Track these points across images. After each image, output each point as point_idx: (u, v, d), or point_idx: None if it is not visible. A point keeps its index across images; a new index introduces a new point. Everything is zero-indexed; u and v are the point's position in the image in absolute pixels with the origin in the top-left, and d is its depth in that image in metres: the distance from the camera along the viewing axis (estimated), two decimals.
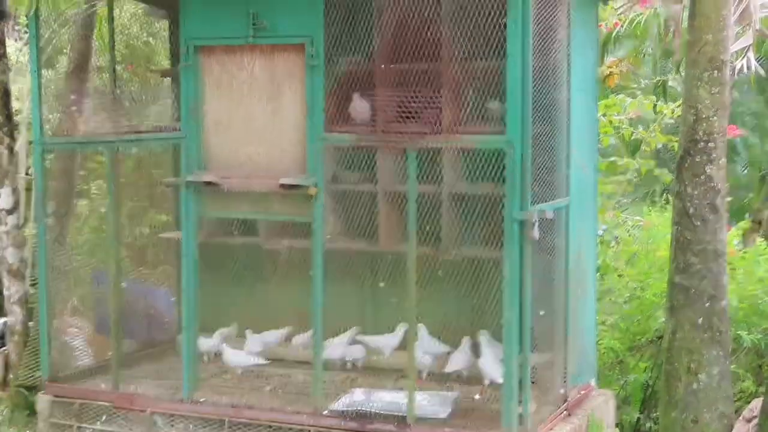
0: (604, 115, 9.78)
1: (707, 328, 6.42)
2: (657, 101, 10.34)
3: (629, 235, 8.71)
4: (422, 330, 6.32)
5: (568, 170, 6.08)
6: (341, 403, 5.99)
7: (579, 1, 6.22)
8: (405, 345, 6.02)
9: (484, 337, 6.21)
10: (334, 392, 6.16)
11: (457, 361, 6.24)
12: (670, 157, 9.91)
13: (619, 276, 8.25)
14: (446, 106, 5.88)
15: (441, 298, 6.43)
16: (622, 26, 12.55)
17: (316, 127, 5.95)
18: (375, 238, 6.40)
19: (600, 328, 7.66)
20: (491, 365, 5.99)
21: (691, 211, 6.51)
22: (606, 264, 8.32)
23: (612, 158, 9.77)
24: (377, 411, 5.83)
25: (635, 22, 12.52)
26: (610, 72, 12.43)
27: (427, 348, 6.32)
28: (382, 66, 6.07)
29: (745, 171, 14.75)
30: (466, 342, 6.29)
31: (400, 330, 6.33)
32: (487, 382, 6.04)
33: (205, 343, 6.69)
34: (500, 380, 5.66)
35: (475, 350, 6.29)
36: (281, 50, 6.09)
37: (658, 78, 13.16)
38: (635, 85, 11.49)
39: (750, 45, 8.53)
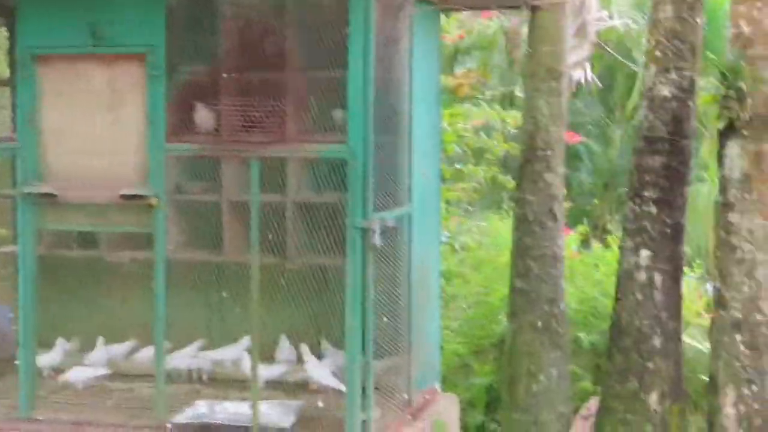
0: (449, 124, 9.94)
1: (546, 330, 6.57)
2: (503, 111, 10.56)
3: (475, 242, 8.84)
4: (283, 341, 6.33)
5: (410, 179, 6.12)
6: (184, 416, 5.87)
7: (421, 13, 6.27)
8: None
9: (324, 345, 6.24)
10: (178, 405, 6.02)
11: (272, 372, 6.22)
12: (516, 165, 10.10)
13: (465, 282, 8.37)
14: (290, 116, 5.86)
15: (288, 306, 6.38)
16: (466, 38, 12.79)
17: (157, 136, 5.84)
18: (220, 247, 6.27)
19: (445, 332, 7.75)
20: (318, 371, 6.03)
21: (531, 217, 6.66)
22: (452, 270, 8.43)
23: (458, 166, 9.91)
24: (221, 422, 5.76)
25: (482, 34, 12.77)
26: (460, 83, 12.65)
27: (286, 357, 6.31)
28: (226, 75, 5.99)
29: (589, 178, 15.21)
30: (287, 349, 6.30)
31: (243, 341, 6.27)
32: (316, 387, 6.06)
33: (46, 359, 6.48)
34: (332, 384, 5.82)
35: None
36: (122, 60, 5.95)
37: (505, 88, 13.43)
38: (480, 96, 11.69)
39: (587, 57, 8.80)
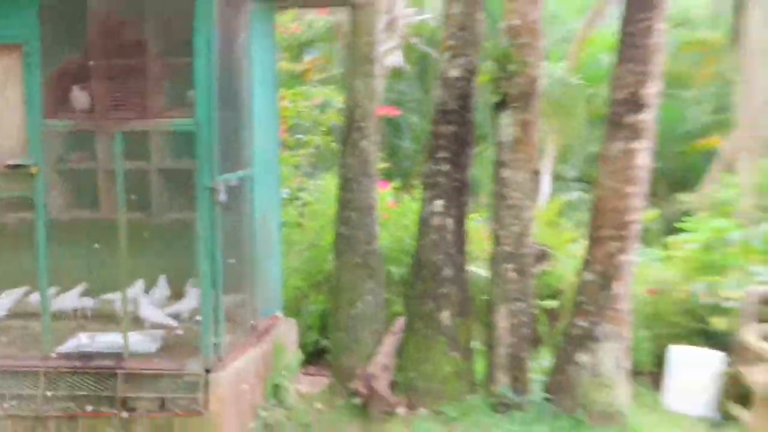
0: (293, 102, 9.87)
1: (364, 266, 6.62)
2: (338, 91, 10.50)
3: (312, 197, 8.82)
4: (161, 283, 6.30)
5: (251, 146, 6.07)
6: (67, 346, 5.73)
7: (258, 9, 6.19)
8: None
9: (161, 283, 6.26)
10: (65, 338, 5.86)
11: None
12: None
13: (303, 229, 8.36)
14: (149, 96, 5.73)
15: (156, 254, 6.31)
16: (312, 30, 12.67)
17: (35, 115, 5.61)
18: (97, 207, 6.14)
19: (287, 271, 7.74)
20: (147, 311, 5.99)
21: (350, 176, 6.67)
22: (292, 220, 8.41)
23: (299, 136, 9.86)
24: (98, 350, 5.64)
25: (324, 28, 12.66)
26: (307, 68, 12.53)
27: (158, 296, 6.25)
28: (96, 62, 5.80)
29: (411, 145, 15.46)
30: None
31: (138, 284, 6.26)
32: (148, 324, 5.97)
33: None
34: (162, 321, 5.88)
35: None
36: (2, 50, 5.68)
37: (340, 72, 13.39)
38: (316, 78, 11.62)
39: (396, 46, 8.83)
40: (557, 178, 19.79)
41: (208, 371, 5.41)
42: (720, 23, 14.46)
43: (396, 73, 15.96)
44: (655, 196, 22.32)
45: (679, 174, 21.66)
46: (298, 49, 14.97)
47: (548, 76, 18.87)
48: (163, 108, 5.82)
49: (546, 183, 17.96)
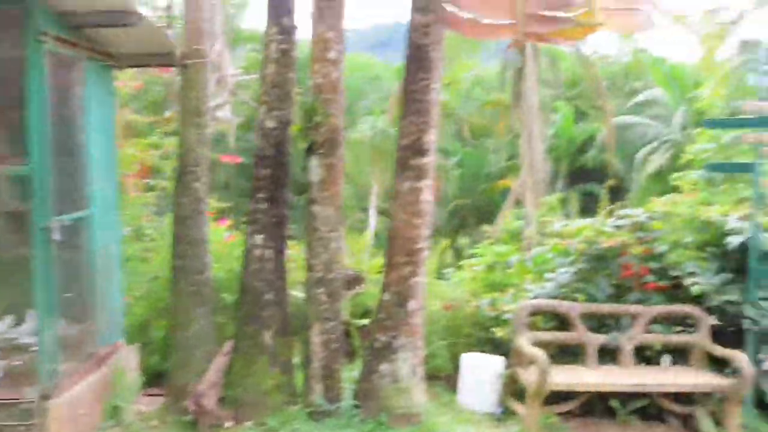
0: (142, 151, 9.44)
1: (197, 294, 6.38)
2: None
3: (157, 233, 8.41)
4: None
5: (88, 189, 5.73)
6: None
7: (92, 67, 5.87)
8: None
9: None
10: None
11: None
12: None
13: (147, 262, 7.95)
14: None
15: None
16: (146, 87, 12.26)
17: None
18: None
19: (132, 300, 7.35)
20: None
21: (184, 213, 6.44)
22: (136, 254, 7.98)
23: (148, 180, 9.42)
24: None
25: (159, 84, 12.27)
26: (168, 120, 12.07)
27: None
28: None
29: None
30: None
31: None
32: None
33: None
34: None
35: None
36: None
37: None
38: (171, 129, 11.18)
39: (226, 101, 8.63)
40: (382, 212, 20.04)
41: (46, 398, 5.00)
42: (506, 86, 15.17)
43: (245, 125, 15.74)
44: (466, 227, 22.94)
45: (484, 208, 22.44)
46: (162, 103, 14.50)
47: (372, 127, 19.23)
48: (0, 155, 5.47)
49: (372, 217, 18.19)
